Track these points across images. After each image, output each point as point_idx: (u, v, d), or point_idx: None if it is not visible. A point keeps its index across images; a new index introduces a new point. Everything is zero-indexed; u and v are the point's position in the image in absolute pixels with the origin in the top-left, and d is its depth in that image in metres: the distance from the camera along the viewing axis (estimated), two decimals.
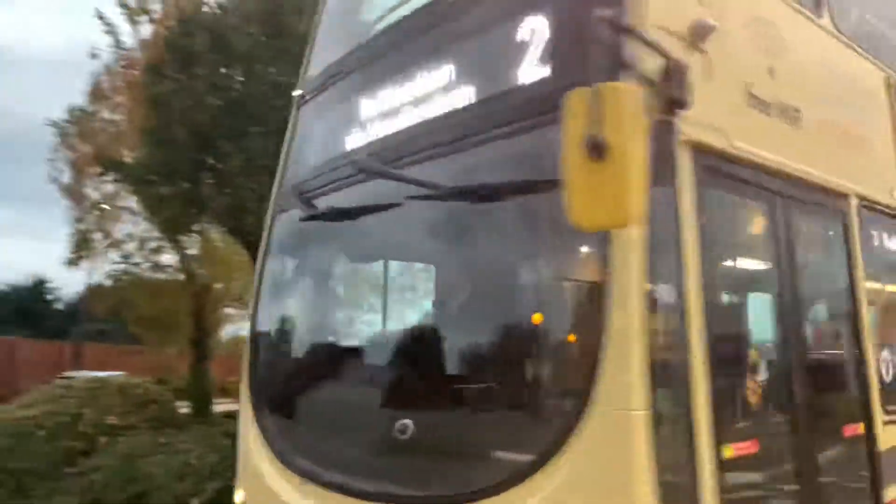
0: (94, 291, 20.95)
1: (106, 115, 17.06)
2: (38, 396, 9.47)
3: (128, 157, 13.50)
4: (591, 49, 2.35)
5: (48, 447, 8.32)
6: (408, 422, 3.11)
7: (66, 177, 17.77)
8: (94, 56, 15.08)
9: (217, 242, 15.62)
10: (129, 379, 10.98)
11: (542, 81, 2.85)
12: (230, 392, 15.99)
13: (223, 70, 10.66)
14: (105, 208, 17.14)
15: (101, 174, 13.36)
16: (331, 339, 4.61)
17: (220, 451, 7.94)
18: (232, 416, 13.23)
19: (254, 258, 9.77)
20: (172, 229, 12.42)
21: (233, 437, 5.51)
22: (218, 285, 16.92)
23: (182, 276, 15.70)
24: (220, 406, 15.26)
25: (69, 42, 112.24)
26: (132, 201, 15.69)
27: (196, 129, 10.27)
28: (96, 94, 17.16)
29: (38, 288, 39.20)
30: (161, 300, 16.92)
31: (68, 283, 46.76)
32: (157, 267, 16.45)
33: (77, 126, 17.48)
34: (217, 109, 10.08)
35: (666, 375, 2.49)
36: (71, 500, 7.80)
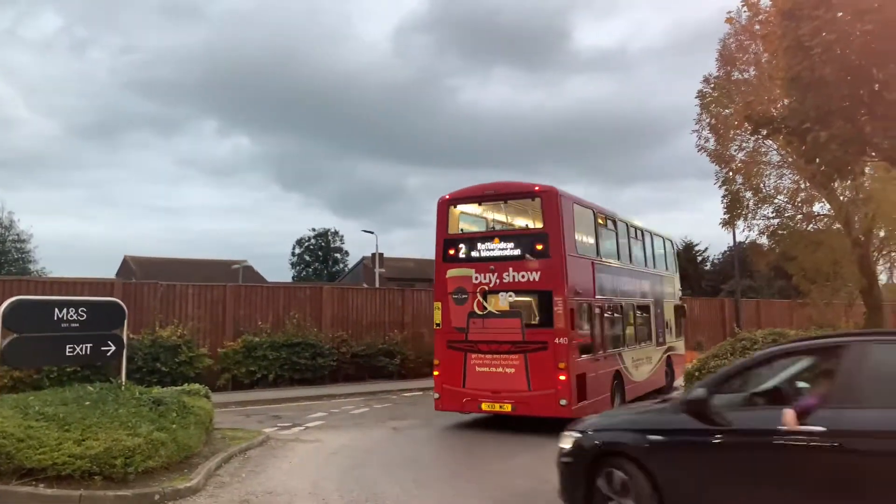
0: (752, 248, 21.40)
1: (736, 75, 18.26)
2: (727, 349, 11.11)
3: (773, 109, 14.06)
4: None
5: None
6: None
7: (711, 143, 18.88)
8: (728, 20, 17.00)
9: (873, 184, 15.91)
10: (799, 331, 11.81)
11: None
12: None
13: None
14: (755, 164, 18.18)
15: (753, 131, 13.63)
16: None
17: None
18: None
19: None
20: (830, 175, 12.07)
21: None
22: (879, 229, 16.60)
23: (838, 225, 15.99)
24: None
25: (672, 33, 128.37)
26: (774, 155, 17.56)
27: (845, 65, 9.79)
28: (725, 57, 18.49)
29: (689, 251, 49.17)
30: (820, 251, 16.84)
31: (714, 245, 54.90)
32: (811, 217, 17.59)
33: (716, 91, 18.51)
34: (866, 37, 9.42)
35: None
36: None
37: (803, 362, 5.84)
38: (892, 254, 18.99)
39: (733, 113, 17.15)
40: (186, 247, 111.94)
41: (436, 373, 12.86)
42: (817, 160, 11.03)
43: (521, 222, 13.90)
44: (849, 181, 14.35)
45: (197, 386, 11.35)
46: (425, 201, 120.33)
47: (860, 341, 5.47)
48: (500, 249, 12.82)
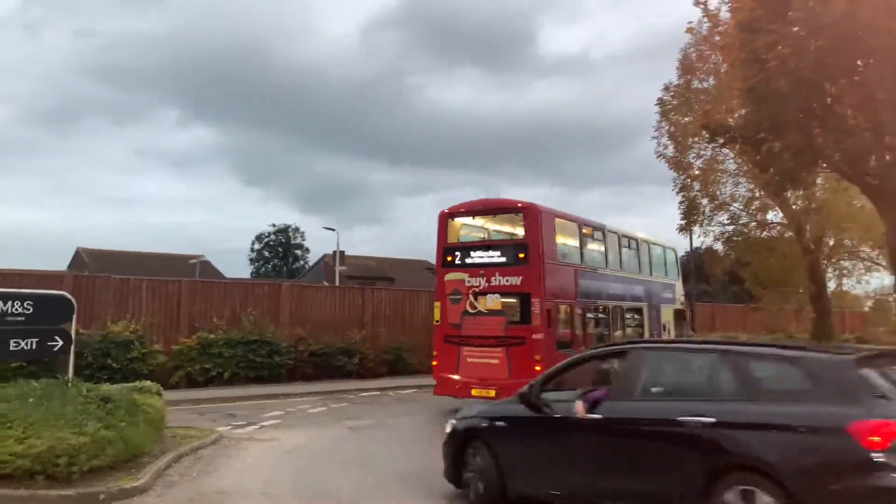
0: (708, 254, 21.50)
1: (696, 84, 18.53)
2: None
3: (730, 119, 14.17)
4: None
5: None
6: None
7: (670, 150, 19.09)
8: (688, 30, 16.85)
9: (824, 194, 16.45)
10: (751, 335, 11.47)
11: None
12: None
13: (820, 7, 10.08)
14: (711, 172, 18.63)
15: (710, 139, 13.75)
16: None
17: None
18: None
19: (876, 202, 10.70)
20: (783, 184, 12.39)
21: None
22: (828, 238, 17.53)
23: (790, 233, 16.31)
24: None
25: (635, 40, 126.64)
26: (731, 164, 17.89)
27: (799, 78, 10.00)
28: (685, 66, 18.64)
29: None
30: (772, 257, 17.22)
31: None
32: (764, 225, 17.94)
33: (676, 99, 18.68)
34: (819, 52, 9.67)
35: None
36: None
37: (605, 363, 7.40)
38: (841, 262, 19.53)
39: (692, 121, 17.43)
40: (143, 240, 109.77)
41: (434, 363, 14.88)
42: (771, 169, 11.30)
43: (521, 231, 15.07)
44: (801, 191, 14.73)
45: (148, 383, 11.09)
46: (389, 199, 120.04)
47: (635, 348, 7.04)
48: (488, 256, 14.72)
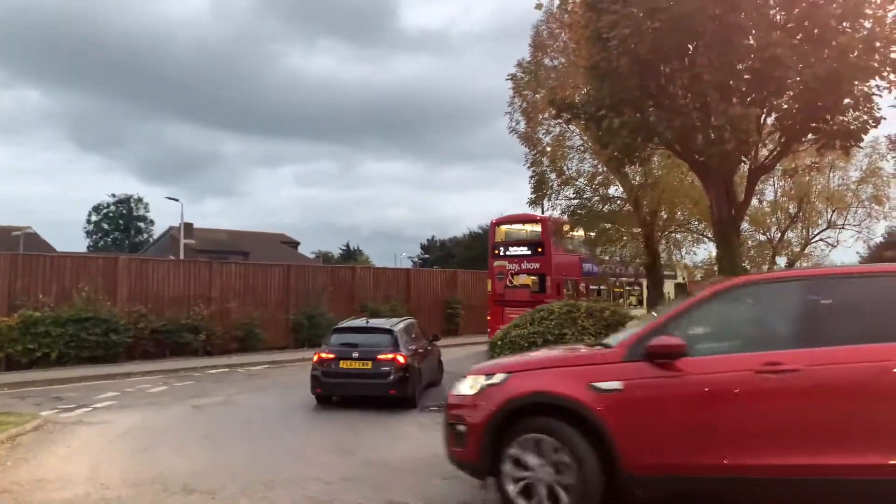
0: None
1: (547, 61, 19.30)
2: (527, 319, 11.53)
3: (576, 96, 14.10)
4: None
5: None
6: None
7: (522, 126, 19.90)
8: (537, 6, 17.36)
9: (660, 170, 17.57)
10: (595, 303, 13.10)
11: None
12: None
13: None
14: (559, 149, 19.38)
15: (556, 115, 13.95)
16: None
17: None
18: None
19: (702, 178, 11.80)
20: (621, 161, 12.95)
21: None
22: (663, 212, 19.04)
23: (629, 206, 15.93)
24: None
25: (496, 18, 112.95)
26: (577, 140, 18.92)
27: (637, 58, 10.39)
28: (537, 43, 19.31)
29: None
30: (612, 230, 19.57)
31: None
32: (606, 199, 19.20)
33: (526, 76, 19.19)
34: (656, 33, 10.04)
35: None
36: None
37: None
38: (674, 234, 21.01)
39: (542, 98, 17.93)
40: None
41: (489, 318, 22.43)
42: (610, 146, 11.81)
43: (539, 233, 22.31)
44: (638, 166, 15.58)
45: None
46: (244, 169, 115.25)
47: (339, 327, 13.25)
48: (519, 250, 22.46)
